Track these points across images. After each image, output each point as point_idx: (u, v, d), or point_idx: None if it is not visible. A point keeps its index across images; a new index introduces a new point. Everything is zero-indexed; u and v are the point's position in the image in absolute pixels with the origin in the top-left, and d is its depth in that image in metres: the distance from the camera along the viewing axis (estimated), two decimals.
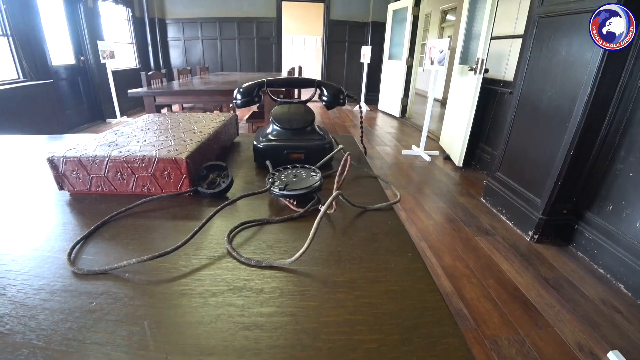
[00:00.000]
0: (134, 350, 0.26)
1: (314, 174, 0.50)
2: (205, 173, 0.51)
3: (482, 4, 3.21)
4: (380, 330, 0.28)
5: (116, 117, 5.36)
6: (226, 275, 0.35)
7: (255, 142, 0.62)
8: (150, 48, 6.77)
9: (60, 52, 4.92)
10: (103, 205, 0.50)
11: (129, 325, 0.28)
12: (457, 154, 3.42)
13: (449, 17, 8.46)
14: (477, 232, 2.25)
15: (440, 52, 3.59)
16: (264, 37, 6.95)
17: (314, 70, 10.97)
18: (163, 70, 3.63)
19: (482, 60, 3.05)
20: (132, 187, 0.50)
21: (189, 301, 0.31)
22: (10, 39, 3.98)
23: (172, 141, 0.55)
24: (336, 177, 0.48)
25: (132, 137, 0.59)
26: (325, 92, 0.71)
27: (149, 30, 6.66)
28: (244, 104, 0.69)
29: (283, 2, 7.00)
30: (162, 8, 6.78)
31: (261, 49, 7.03)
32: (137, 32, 6.59)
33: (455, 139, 3.52)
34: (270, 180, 0.49)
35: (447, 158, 3.70)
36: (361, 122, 0.78)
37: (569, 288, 1.74)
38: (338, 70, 7.42)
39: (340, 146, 0.65)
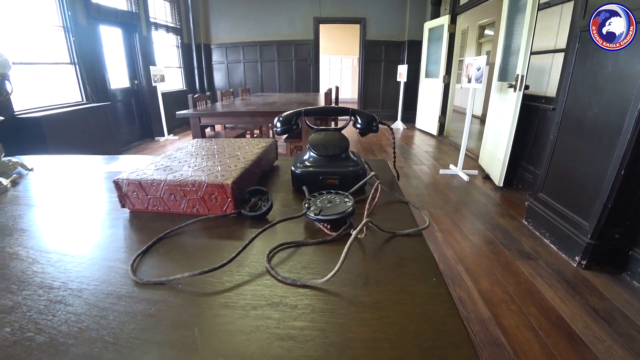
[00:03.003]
0: (186, 351, 0.31)
1: (347, 200, 0.54)
2: (248, 197, 0.56)
3: (520, 18, 3.16)
4: (401, 348, 0.31)
5: (164, 136, 5.73)
6: (265, 291, 0.39)
7: (293, 168, 0.67)
8: (196, 71, 7.23)
9: (117, 77, 5.38)
10: (158, 222, 0.56)
11: (182, 329, 0.33)
12: (497, 173, 3.32)
13: (487, 32, 8.32)
14: (518, 256, 2.16)
15: (478, 70, 3.54)
16: (302, 58, 7.20)
17: (350, 89, 11.14)
18: (208, 93, 3.86)
19: (522, 76, 2.98)
20: (184, 207, 0.57)
21: (232, 312, 0.36)
22: (77, 66, 4.43)
23: (219, 167, 0.61)
24: (367, 204, 0.52)
25: (183, 162, 0.66)
26: (360, 120, 0.75)
27: (195, 55, 7.13)
28: (283, 132, 0.74)
29: (320, 25, 7.24)
30: (207, 34, 7.24)
31: (299, 70, 7.28)
32: (185, 57, 7.07)
33: (495, 157, 3.42)
34: (306, 205, 0.53)
35: (487, 177, 3.59)
36: (393, 147, 0.81)
37: (622, 321, 1.62)
38: (375, 89, 7.49)
39: (372, 173, 0.68)
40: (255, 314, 0.35)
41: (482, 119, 6.80)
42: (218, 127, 3.62)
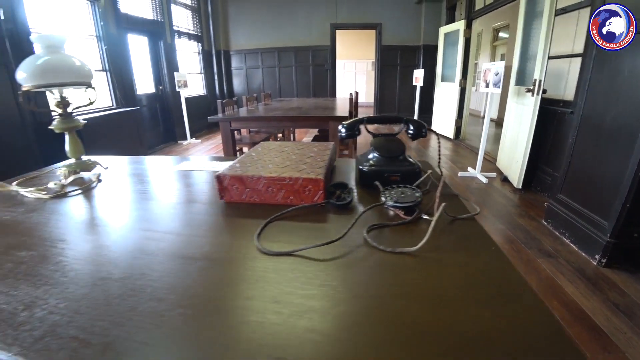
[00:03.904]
0: (330, 294, 0.44)
1: (415, 191, 0.67)
2: (333, 189, 0.70)
3: (537, 24, 3.25)
4: (480, 291, 0.44)
5: (187, 139, 5.94)
6: (372, 256, 0.52)
7: (361, 167, 0.80)
8: (216, 77, 7.46)
9: (144, 83, 5.62)
10: (257, 210, 0.70)
11: (320, 281, 0.47)
12: (516, 175, 3.40)
13: (501, 34, 8.36)
14: (538, 254, 2.25)
15: (496, 75, 3.63)
16: (319, 64, 7.37)
17: (365, 94, 11.28)
18: (234, 98, 4.03)
19: (540, 81, 3.06)
20: (279, 198, 0.70)
21: (354, 270, 0.49)
22: (108, 73, 4.66)
23: (304, 165, 0.74)
24: (437, 194, 0.64)
25: (267, 160, 0.79)
26: (411, 127, 0.88)
27: (215, 61, 7.36)
28: (348, 137, 0.88)
29: (337, 31, 7.40)
30: (227, 41, 7.47)
31: (316, 75, 7.45)
32: (205, 63, 7.31)
33: (514, 160, 3.50)
34: (384, 196, 0.66)
35: (505, 180, 3.67)
36: (439, 151, 0.93)
37: None
38: (390, 94, 7.61)
39: (429, 171, 0.81)
40: (372, 271, 0.49)
41: (498, 122, 6.85)
42: (243, 131, 3.78)
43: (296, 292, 0.44)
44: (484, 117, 6.59)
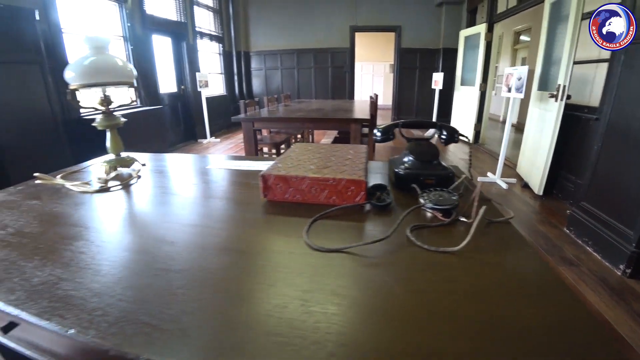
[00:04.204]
0: (383, 289, 0.47)
1: (452, 195, 0.70)
2: (372, 191, 0.73)
3: (562, 28, 3.21)
4: (519, 286, 0.47)
5: (206, 138, 6.06)
6: (415, 254, 0.56)
7: (397, 170, 0.83)
8: (236, 77, 7.58)
9: (166, 82, 5.75)
10: (301, 209, 0.73)
11: (372, 276, 0.50)
12: (537, 181, 3.36)
13: (523, 37, 8.23)
14: (560, 262, 2.23)
15: (519, 79, 3.60)
16: (338, 66, 7.41)
17: (382, 96, 11.26)
18: (256, 99, 4.11)
19: (564, 86, 3.02)
20: (322, 198, 0.74)
21: (401, 269, 0.52)
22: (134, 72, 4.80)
23: (345, 167, 0.78)
24: (476, 197, 0.67)
25: (307, 162, 0.83)
26: (444, 132, 0.91)
27: (236, 62, 7.48)
28: (382, 140, 0.91)
29: (356, 33, 7.43)
30: (247, 42, 7.58)
31: (335, 77, 7.49)
32: (226, 64, 7.43)
33: (535, 166, 3.46)
34: (423, 198, 0.69)
35: (526, 186, 3.63)
36: (470, 156, 0.96)
37: None
38: (409, 96, 7.59)
39: (464, 175, 0.84)
40: (418, 268, 0.52)
41: (518, 127, 6.76)
42: (264, 131, 3.84)
43: (352, 286, 0.48)
44: (503, 122, 6.51)
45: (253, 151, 3.02)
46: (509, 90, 3.73)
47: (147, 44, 5.12)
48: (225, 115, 7.14)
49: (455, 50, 6.61)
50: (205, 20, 6.86)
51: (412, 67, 7.40)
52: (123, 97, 1.30)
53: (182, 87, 6.03)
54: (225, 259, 0.56)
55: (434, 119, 6.82)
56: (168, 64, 5.89)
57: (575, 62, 3.03)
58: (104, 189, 0.97)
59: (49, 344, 0.46)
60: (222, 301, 0.45)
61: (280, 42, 7.45)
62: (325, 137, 5.99)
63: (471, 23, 6.41)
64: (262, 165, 1.09)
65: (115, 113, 1.22)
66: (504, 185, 3.65)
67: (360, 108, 3.68)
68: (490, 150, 5.31)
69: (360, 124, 2.68)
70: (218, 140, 6.19)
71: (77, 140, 3.72)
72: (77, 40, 4.01)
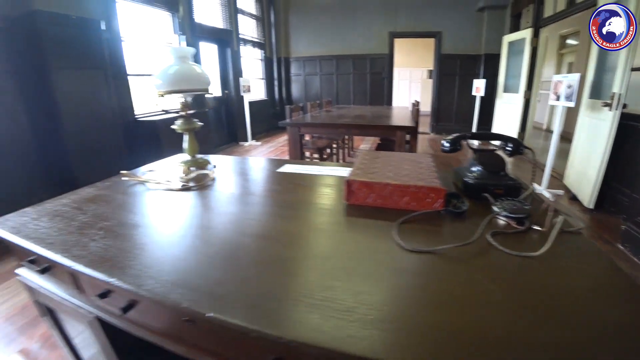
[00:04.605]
0: (480, 286, 0.54)
1: (524, 204, 0.75)
2: (448, 198, 0.80)
3: None
4: (597, 282, 0.52)
5: (247, 141, 6.29)
6: (498, 257, 0.62)
7: (466, 179, 0.89)
8: (276, 82, 7.82)
9: (211, 87, 6.03)
10: (382, 213, 0.81)
11: (466, 275, 0.57)
12: (587, 194, 3.25)
13: (569, 41, 7.88)
14: None
15: (569, 87, 3.50)
16: (376, 72, 7.46)
17: (420, 102, 11.13)
18: (300, 104, 4.24)
19: (620, 95, 2.92)
20: (402, 203, 0.81)
21: (489, 266, 0.59)
22: None
23: (420, 175, 0.85)
24: (552, 208, 0.72)
25: (382, 168, 0.91)
26: (510, 144, 0.95)
27: (276, 68, 7.71)
28: (450, 151, 0.97)
29: (395, 39, 7.44)
30: (287, 48, 7.79)
31: (373, 83, 7.55)
32: (267, 69, 7.68)
33: (585, 178, 3.35)
34: (497, 207, 0.75)
35: (574, 198, 3.52)
36: (533, 168, 1.00)
37: None
38: (448, 103, 7.49)
39: (532, 186, 0.88)
40: (503, 269, 0.58)
41: (563, 136, 6.51)
42: (307, 136, 3.96)
43: (453, 284, 0.55)
44: (546, 130, 6.30)
45: (298, 155, 3.13)
46: (558, 98, 3.63)
47: (195, 51, 5.41)
48: (265, 119, 7.37)
49: (498, 56, 6.47)
50: (248, 28, 7.13)
51: (452, 74, 7.31)
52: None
53: (226, 91, 6.30)
54: (324, 260, 0.64)
55: (475, 127, 6.70)
56: (213, 69, 6.18)
57: (633, 69, 2.92)
58: (187, 188, 1.09)
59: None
60: (333, 297, 0.54)
61: (319, 48, 7.60)
62: (364, 143, 6.04)
63: (515, 28, 6.26)
64: (330, 171, 1.17)
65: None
66: (551, 197, 3.55)
67: (402, 115, 3.71)
68: (535, 160, 5.14)
69: (406, 131, 2.72)
70: (259, 143, 6.41)
71: (132, 139, 4.00)
72: (135, 47, 4.32)
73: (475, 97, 6.55)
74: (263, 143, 6.49)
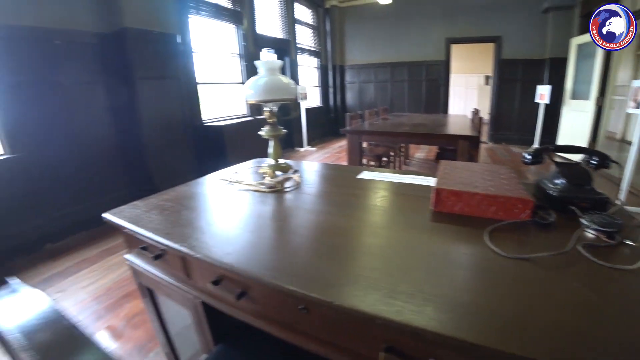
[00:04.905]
0: (582, 294, 0.60)
1: (613, 218, 0.78)
2: (535, 210, 0.85)
3: None
4: None
5: (303, 147, 6.51)
6: (590, 268, 0.67)
7: (550, 192, 0.93)
8: (331, 90, 8.02)
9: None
10: (469, 221, 0.88)
11: (566, 284, 0.63)
12: None
13: None
14: None
15: None
16: (432, 79, 7.38)
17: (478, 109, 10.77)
18: (359, 112, 4.35)
19: None
20: (489, 212, 0.88)
21: (584, 275, 0.64)
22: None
23: (505, 186, 0.91)
24: None
25: (465, 177, 0.97)
26: (595, 157, 0.98)
27: (331, 75, 7.91)
28: (532, 163, 1.01)
29: (452, 45, 7.31)
30: (342, 56, 7.97)
31: (429, 90, 7.47)
32: (322, 77, 7.90)
33: None
34: (586, 220, 0.79)
35: None
36: (620, 182, 1.01)
37: None
38: (508, 111, 7.19)
39: (620, 201, 0.90)
40: (599, 280, 0.63)
41: None
42: (364, 144, 4.05)
43: (554, 290, 0.61)
44: (622, 141, 5.85)
45: (357, 162, 3.23)
46: (638, 106, 3.39)
47: (255, 59, 5.72)
48: (320, 126, 7.58)
49: (564, 60, 6.12)
50: (305, 37, 7.40)
51: (512, 80, 7.02)
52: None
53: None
54: (426, 263, 0.73)
55: (538, 136, 6.38)
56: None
57: None
58: (275, 190, 1.23)
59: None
60: (450, 299, 0.62)
61: (374, 56, 7.69)
62: (419, 152, 6.00)
63: (584, 29, 5.87)
64: (410, 179, 1.26)
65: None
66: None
67: (462, 123, 3.68)
68: (607, 174, 4.80)
69: (469, 140, 2.72)
70: (314, 149, 6.61)
71: (199, 142, 4.34)
72: (203, 57, 4.70)
73: (538, 104, 6.24)
74: (318, 149, 6.68)
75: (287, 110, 1.56)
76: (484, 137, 7.44)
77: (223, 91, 5.18)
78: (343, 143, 7.16)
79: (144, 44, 3.43)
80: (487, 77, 10.30)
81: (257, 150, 4.89)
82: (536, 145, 6.43)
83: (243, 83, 5.44)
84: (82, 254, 2.72)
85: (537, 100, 6.29)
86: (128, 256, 1.15)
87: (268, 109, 1.41)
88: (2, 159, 2.68)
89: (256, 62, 1.35)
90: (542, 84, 6.31)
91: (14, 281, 0.38)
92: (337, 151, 6.43)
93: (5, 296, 0.35)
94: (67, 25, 3.02)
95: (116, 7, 3.22)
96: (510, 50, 6.92)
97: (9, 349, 0.30)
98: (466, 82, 11.23)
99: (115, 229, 1.03)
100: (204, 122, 4.56)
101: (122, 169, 3.59)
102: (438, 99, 7.47)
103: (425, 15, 7.27)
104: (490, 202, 0.86)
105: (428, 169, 4.52)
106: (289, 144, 6.69)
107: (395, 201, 1.07)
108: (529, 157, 1.01)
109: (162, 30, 3.64)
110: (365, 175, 1.36)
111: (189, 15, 4.28)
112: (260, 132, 1.46)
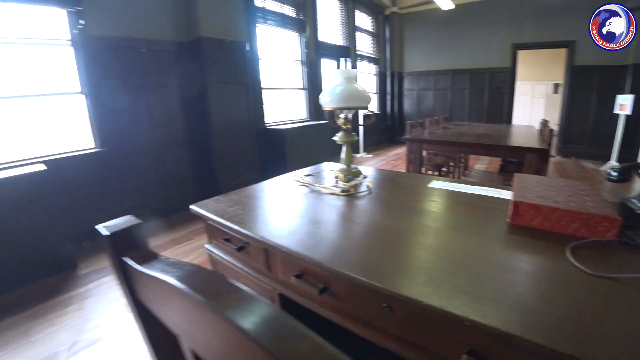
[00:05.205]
0: None
1: None
2: (622, 229, 0.84)
3: None
4: None
5: (359, 153, 6.58)
6: None
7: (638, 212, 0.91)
8: (388, 97, 8.02)
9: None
10: (548, 235, 0.89)
11: None
12: None
13: None
14: None
15: None
16: (496, 87, 7.08)
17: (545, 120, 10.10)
18: (420, 120, 4.33)
19: None
20: (570, 229, 0.88)
21: None
22: (307, 91, 5.62)
23: (588, 203, 0.91)
24: None
25: (545, 192, 0.98)
26: None
27: (389, 82, 7.91)
28: (619, 181, 0.99)
29: (518, 51, 6.97)
30: (401, 63, 7.92)
31: (491, 99, 7.18)
32: (380, 84, 7.93)
33: None
34: None
35: None
36: None
37: None
38: (581, 122, 6.67)
39: None
40: None
41: None
42: (423, 152, 4.02)
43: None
44: None
45: (417, 170, 3.22)
46: None
47: (317, 67, 5.90)
48: (377, 133, 7.60)
49: None
50: (364, 44, 7.48)
51: (587, 88, 6.51)
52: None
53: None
54: (496, 266, 0.76)
55: (616, 151, 5.85)
56: (332, 84, 6.64)
57: None
58: (349, 194, 1.30)
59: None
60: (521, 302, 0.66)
61: (434, 62, 7.56)
62: (479, 163, 5.78)
63: None
64: (481, 191, 1.27)
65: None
66: None
67: (529, 135, 3.52)
68: None
69: (537, 153, 2.61)
70: (370, 155, 6.65)
71: (261, 144, 4.58)
72: (267, 63, 4.95)
73: (617, 115, 5.73)
74: (374, 156, 6.71)
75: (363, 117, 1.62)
76: (552, 150, 6.97)
77: (284, 96, 5.42)
78: (399, 151, 7.11)
79: (217, 52, 3.73)
80: (557, 85, 9.63)
81: (314, 153, 5.08)
82: (613, 161, 5.90)
83: (304, 89, 5.65)
84: (153, 241, 3.03)
85: (616, 111, 5.78)
86: (208, 246, 1.28)
87: (343, 116, 1.47)
88: (94, 152, 3.12)
89: (334, 71, 1.43)
90: (623, 93, 5.80)
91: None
92: (393, 159, 6.40)
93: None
94: (153, 36, 3.42)
95: (194, 18, 3.55)
96: (585, 55, 6.43)
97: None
98: (532, 90, 10.57)
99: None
100: (266, 125, 4.80)
101: (190, 165, 3.93)
102: (501, 108, 7.14)
103: (490, 20, 7.01)
104: (573, 218, 0.87)
105: (490, 181, 4.36)
106: None
107: (469, 212, 1.10)
108: (616, 174, 0.99)
109: (233, 39, 3.92)
110: (435, 184, 1.40)
111: (257, 25, 4.56)
112: (334, 138, 1.52)
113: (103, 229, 0.49)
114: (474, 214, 1.07)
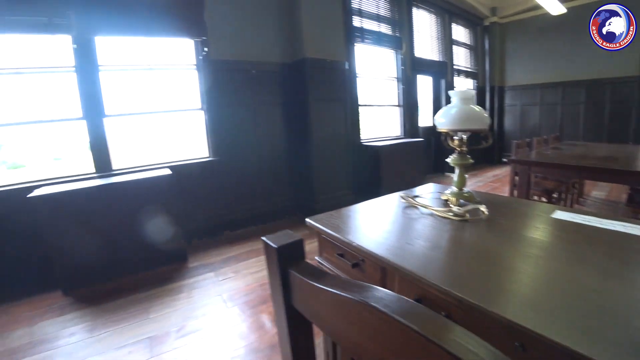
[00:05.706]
0: None
1: None
2: None
3: None
4: None
5: (454, 172, 6.30)
6: None
7: None
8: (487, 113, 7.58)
9: (423, 117, 6.37)
10: None
11: None
12: None
13: None
14: None
15: None
16: (619, 100, 6.15)
17: None
18: (527, 140, 4.01)
19: None
20: None
21: None
22: (402, 108, 5.61)
23: None
24: None
25: None
26: None
27: (489, 98, 7.44)
28: None
29: None
30: (502, 77, 7.41)
31: (614, 115, 6.24)
32: (479, 99, 7.52)
33: None
34: None
35: None
36: None
37: None
38: None
39: None
40: None
41: None
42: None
43: None
44: None
45: (524, 195, 2.98)
46: None
47: (413, 84, 5.85)
48: (473, 151, 7.15)
49: None
50: (462, 58, 7.19)
51: None
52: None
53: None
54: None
55: None
56: (427, 100, 6.53)
57: None
58: (464, 219, 1.27)
59: None
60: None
61: (540, 75, 6.88)
62: (596, 189, 5.07)
63: None
64: (620, 227, 1.14)
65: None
66: None
67: None
68: None
69: None
70: (466, 176, 6.29)
71: (357, 160, 4.68)
72: (364, 81, 5.08)
73: None
74: (470, 176, 6.34)
75: (478, 139, 1.58)
76: None
77: (378, 112, 5.49)
78: (498, 172, 6.60)
79: (318, 71, 3.97)
80: None
81: (407, 171, 5.02)
82: None
83: (399, 105, 5.64)
84: (252, 245, 3.33)
85: None
86: (319, 258, 1.36)
87: (458, 138, 1.45)
88: (207, 161, 3.61)
89: (450, 92, 1.41)
90: None
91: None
92: (491, 180, 5.96)
93: None
94: (262, 58, 3.83)
95: (299, 41, 3.85)
96: None
97: None
98: None
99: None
100: (362, 141, 4.91)
101: (289, 178, 4.21)
102: (627, 125, 6.15)
103: None
104: None
105: (614, 212, 3.82)
106: (439, 168, 6.55)
107: (611, 252, 1.00)
108: None
109: (334, 59, 4.14)
110: (560, 215, 1.30)
111: (355, 44, 4.73)
112: (447, 160, 1.51)
113: (270, 242, 0.57)
114: (616, 255, 0.97)
